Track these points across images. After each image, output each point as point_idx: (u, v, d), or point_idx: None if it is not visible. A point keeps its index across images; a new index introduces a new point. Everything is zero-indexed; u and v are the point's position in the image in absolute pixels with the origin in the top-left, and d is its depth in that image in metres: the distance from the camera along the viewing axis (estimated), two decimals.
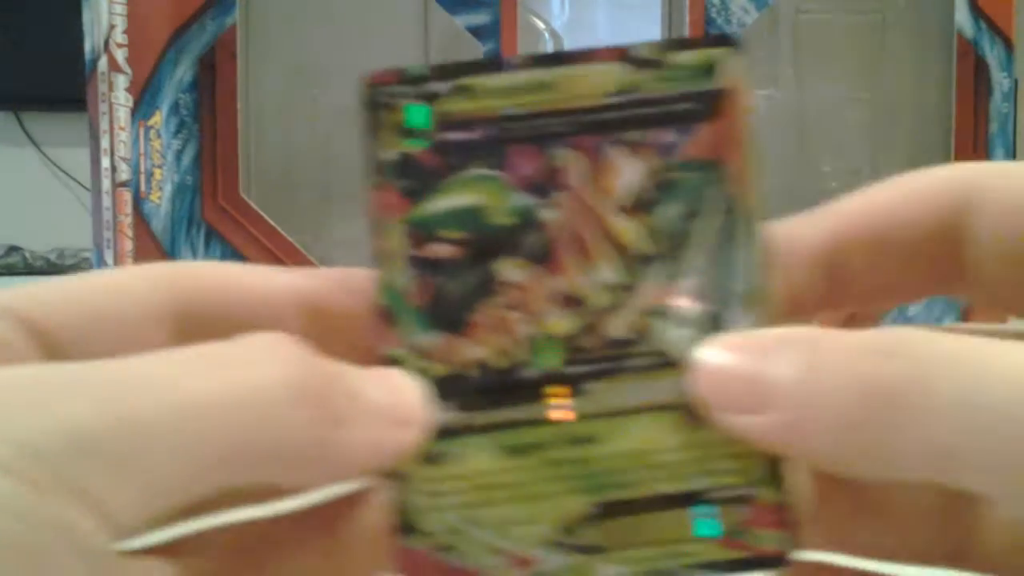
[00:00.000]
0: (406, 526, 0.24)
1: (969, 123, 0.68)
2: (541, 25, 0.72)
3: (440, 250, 0.24)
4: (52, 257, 1.59)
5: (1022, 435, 0.19)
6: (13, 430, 0.18)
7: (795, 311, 0.24)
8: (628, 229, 0.24)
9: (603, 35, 0.79)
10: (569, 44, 0.74)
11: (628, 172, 0.24)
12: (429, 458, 0.24)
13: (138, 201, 0.60)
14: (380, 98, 0.24)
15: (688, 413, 0.24)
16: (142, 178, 0.60)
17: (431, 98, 0.24)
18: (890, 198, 0.25)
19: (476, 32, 0.63)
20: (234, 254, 0.61)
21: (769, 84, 0.68)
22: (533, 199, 0.24)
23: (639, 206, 0.24)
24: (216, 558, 0.22)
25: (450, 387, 0.24)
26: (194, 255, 0.59)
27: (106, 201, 0.63)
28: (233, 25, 0.59)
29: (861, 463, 0.21)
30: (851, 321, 0.27)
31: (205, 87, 0.59)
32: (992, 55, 0.68)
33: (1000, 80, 0.68)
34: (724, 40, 0.25)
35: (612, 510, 0.24)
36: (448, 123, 0.24)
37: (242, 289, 0.24)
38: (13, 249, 1.60)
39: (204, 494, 0.20)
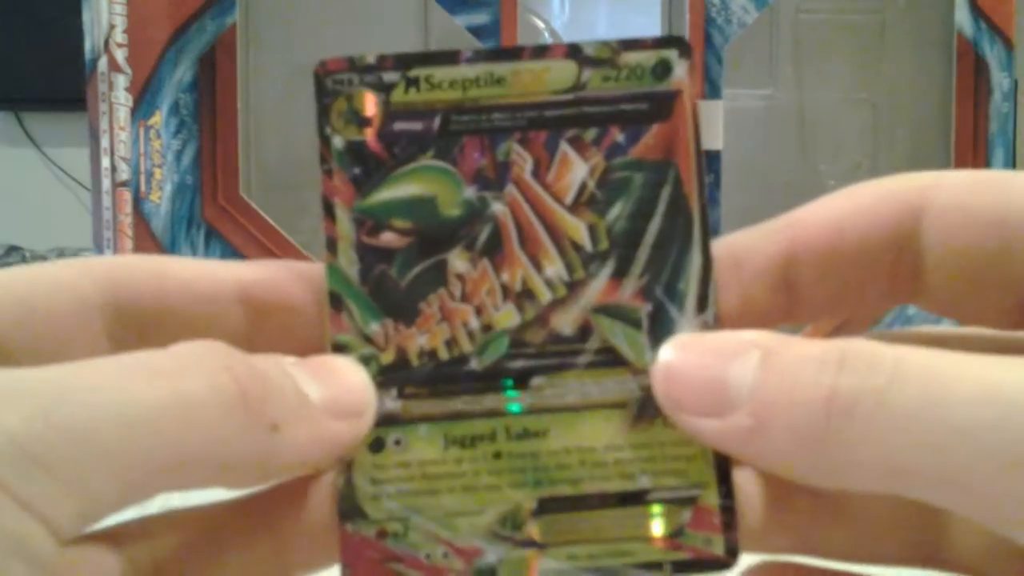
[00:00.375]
0: (350, 511, 0.24)
1: (969, 123, 0.68)
2: (541, 25, 0.72)
3: (389, 239, 0.24)
4: (52, 257, 1.59)
5: (979, 452, 0.19)
6: None
7: (753, 324, 0.23)
8: (577, 226, 0.24)
9: (603, 35, 0.79)
10: None
11: (578, 169, 0.25)
12: (373, 445, 0.24)
13: (138, 201, 0.60)
14: (331, 85, 0.25)
15: (634, 412, 0.24)
16: (142, 178, 0.60)
17: (382, 87, 0.25)
18: (841, 209, 0.24)
19: (476, 32, 0.63)
20: (234, 254, 0.61)
21: (769, 84, 0.68)
22: (483, 192, 0.25)
23: (588, 203, 0.24)
24: (161, 552, 0.22)
25: (396, 375, 0.24)
26: (194, 255, 0.59)
27: (106, 201, 0.63)
28: (233, 25, 0.59)
29: (816, 474, 0.21)
30: (842, 329, 0.27)
31: (205, 87, 0.59)
32: (992, 55, 0.68)
33: (1000, 80, 0.68)
34: (674, 42, 0.25)
35: (555, 506, 0.24)
36: (398, 113, 0.25)
37: (180, 282, 0.24)
38: (13, 249, 1.60)
39: (154, 494, 0.20)
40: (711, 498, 0.24)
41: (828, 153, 0.69)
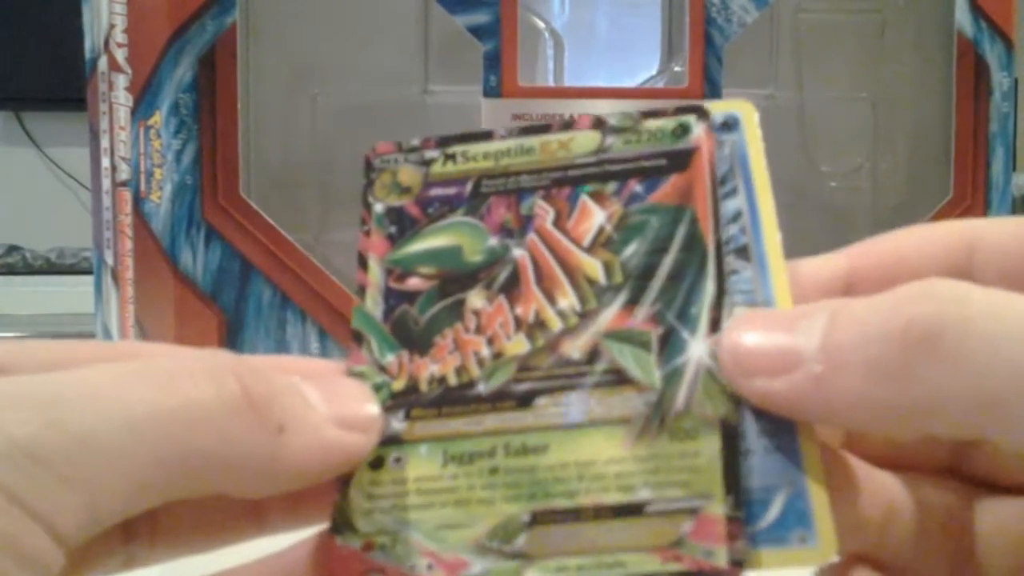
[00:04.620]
0: (341, 524, 0.24)
1: (969, 123, 0.68)
2: (541, 25, 0.72)
3: (415, 283, 0.26)
4: (52, 257, 1.59)
5: None
6: None
7: None
8: (593, 263, 0.26)
9: (603, 35, 0.79)
10: (569, 44, 0.74)
11: (597, 216, 0.26)
12: (374, 463, 0.25)
13: (138, 201, 0.60)
14: (379, 163, 0.27)
15: (638, 427, 0.24)
16: (142, 178, 0.60)
17: (423, 163, 0.27)
18: (900, 238, 0.25)
19: (476, 32, 0.63)
20: (234, 254, 0.61)
21: (769, 84, 0.68)
22: (505, 240, 0.26)
23: (605, 244, 0.26)
24: None
25: (406, 399, 0.25)
26: (194, 255, 0.59)
27: (106, 201, 0.63)
28: (233, 25, 0.59)
29: (893, 415, 0.20)
30: None
31: (205, 87, 0.59)
32: (992, 55, 0.68)
33: (1000, 80, 0.68)
34: (693, 109, 0.27)
35: (548, 518, 0.24)
36: (436, 182, 0.27)
37: None
38: (13, 249, 1.60)
39: (161, 500, 0.20)
40: (717, 508, 0.23)
41: (828, 153, 0.69)
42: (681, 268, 0.25)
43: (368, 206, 0.27)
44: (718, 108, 0.27)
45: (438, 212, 0.27)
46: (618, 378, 0.25)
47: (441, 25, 0.63)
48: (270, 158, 0.64)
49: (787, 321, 0.22)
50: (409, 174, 0.27)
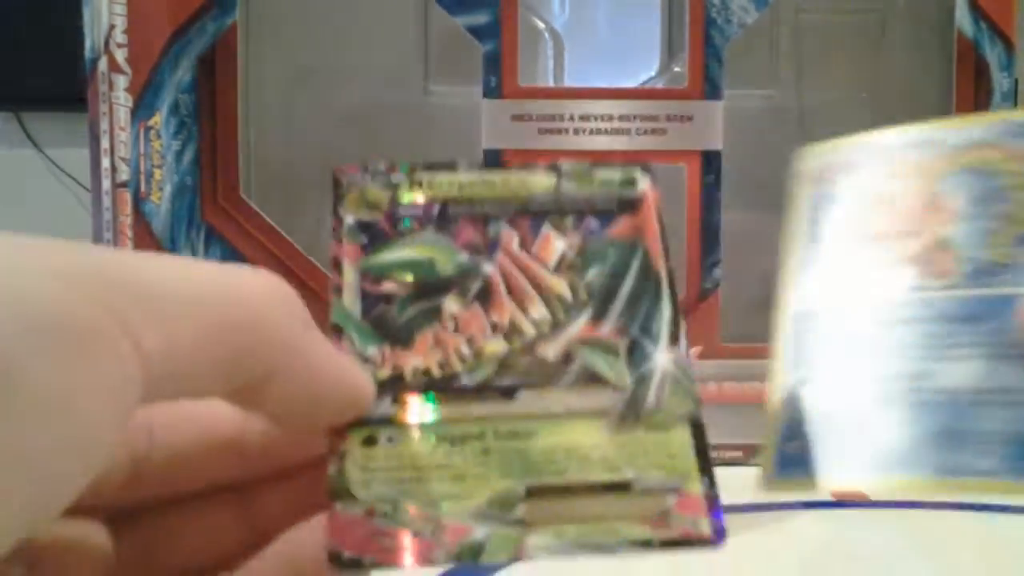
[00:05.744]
0: (340, 493, 0.25)
1: None
2: (541, 25, 0.72)
3: (391, 287, 0.28)
4: None
5: None
6: (53, 264, 0.20)
7: None
8: (559, 282, 0.28)
9: (603, 35, 0.79)
10: (569, 44, 0.74)
11: (558, 244, 0.29)
12: (367, 441, 0.26)
13: (138, 201, 0.60)
14: (346, 182, 0.29)
15: (616, 420, 0.26)
16: (142, 178, 0.60)
17: (390, 186, 0.29)
18: None
19: (476, 32, 0.63)
20: (234, 254, 0.61)
21: (769, 84, 0.68)
22: (476, 257, 0.28)
23: (569, 267, 0.28)
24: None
25: (392, 386, 0.26)
26: (194, 255, 0.59)
27: (106, 201, 0.63)
28: (233, 25, 0.59)
29: None
30: None
31: (205, 87, 0.59)
32: (992, 55, 0.68)
33: (1000, 80, 0.68)
34: (638, 166, 0.30)
35: (544, 492, 0.26)
36: (403, 205, 0.29)
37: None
38: None
39: (214, 370, 0.22)
40: (696, 487, 0.25)
41: None
42: (639, 292, 0.28)
43: (339, 218, 0.29)
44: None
45: (408, 229, 0.29)
46: (591, 377, 0.27)
47: (441, 25, 0.63)
48: (270, 159, 0.64)
49: None
50: (377, 194, 0.29)
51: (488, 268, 0.28)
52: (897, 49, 0.69)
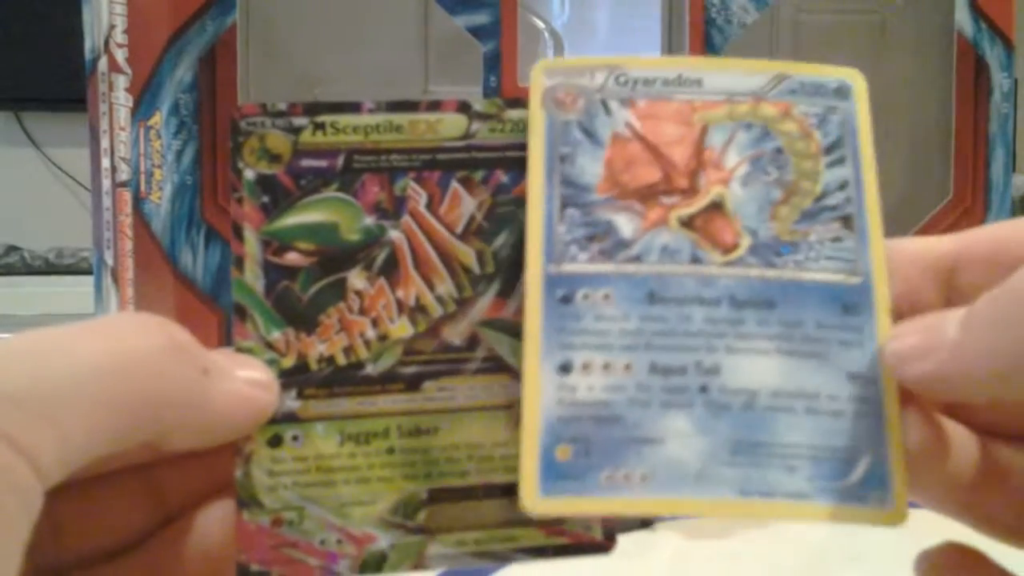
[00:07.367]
0: (247, 500, 0.25)
1: (969, 123, 0.68)
2: (541, 25, 0.72)
3: (293, 259, 0.27)
4: (51, 257, 1.59)
5: None
6: None
7: (913, 315, 0.26)
8: (466, 251, 0.27)
9: (603, 35, 0.79)
10: (569, 44, 0.74)
11: (467, 204, 0.27)
12: (272, 440, 0.26)
13: (138, 201, 0.60)
14: (245, 126, 0.28)
15: (517, 413, 0.26)
16: (142, 178, 0.60)
17: (291, 130, 0.27)
18: (1004, 228, 0.27)
19: (476, 32, 0.63)
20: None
21: None
22: (381, 221, 0.27)
23: (476, 233, 0.27)
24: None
25: (296, 378, 0.26)
26: (194, 255, 0.59)
27: (106, 201, 0.63)
28: (233, 25, 0.59)
29: (1019, 368, 0.23)
30: None
31: (205, 87, 0.59)
32: (992, 55, 0.68)
33: (1000, 80, 0.68)
34: None
35: (444, 496, 0.26)
36: (306, 152, 0.27)
37: None
38: (13, 249, 1.60)
39: (112, 443, 0.22)
40: None
41: None
42: None
43: (238, 172, 0.27)
44: (828, 73, 0.28)
45: (311, 185, 0.27)
46: (497, 365, 0.27)
47: (441, 25, 0.63)
48: None
49: (931, 319, 0.25)
50: (278, 140, 0.27)
51: (394, 234, 0.27)
52: (897, 49, 0.69)
